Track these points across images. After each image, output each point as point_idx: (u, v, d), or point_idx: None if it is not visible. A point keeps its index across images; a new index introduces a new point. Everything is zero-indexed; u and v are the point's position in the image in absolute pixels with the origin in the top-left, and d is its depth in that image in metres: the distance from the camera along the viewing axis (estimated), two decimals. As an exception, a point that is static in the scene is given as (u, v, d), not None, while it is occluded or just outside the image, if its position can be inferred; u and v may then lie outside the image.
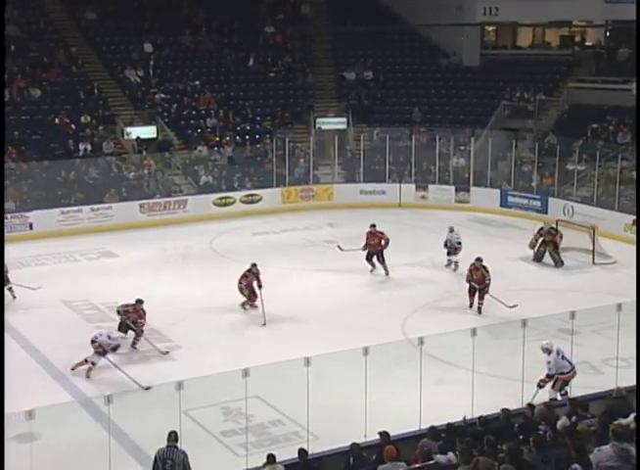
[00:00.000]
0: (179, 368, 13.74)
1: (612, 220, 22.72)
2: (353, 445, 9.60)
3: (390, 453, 8.91)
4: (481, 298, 16.91)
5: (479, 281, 16.86)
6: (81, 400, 12.52)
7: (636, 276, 16.25)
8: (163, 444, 9.54)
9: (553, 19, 31.95)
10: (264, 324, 16.27)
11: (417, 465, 8.92)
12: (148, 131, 27.25)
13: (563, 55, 31.65)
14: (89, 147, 26.18)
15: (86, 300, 17.78)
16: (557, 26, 33.42)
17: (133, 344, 15.21)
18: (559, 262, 20.15)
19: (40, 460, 10.04)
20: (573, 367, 12.53)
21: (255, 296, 16.94)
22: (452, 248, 19.86)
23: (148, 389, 12.91)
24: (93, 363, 13.90)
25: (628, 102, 27.19)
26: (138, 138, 26.91)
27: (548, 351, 12.52)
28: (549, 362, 12.44)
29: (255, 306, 16.98)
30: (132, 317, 15.20)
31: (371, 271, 19.64)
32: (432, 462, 8.94)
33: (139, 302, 15.31)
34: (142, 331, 15.20)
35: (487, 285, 16.86)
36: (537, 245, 20.44)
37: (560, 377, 12.46)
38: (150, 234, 23.35)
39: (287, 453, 10.01)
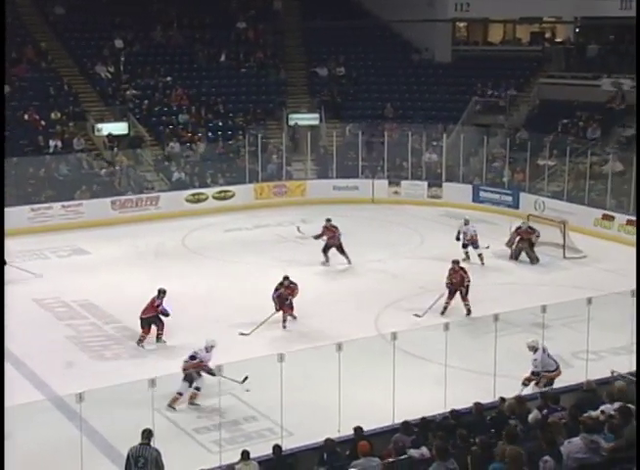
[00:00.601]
0: (152, 365, 13.68)
1: (582, 215, 22.95)
2: (327, 440, 9.61)
3: (364, 449, 8.94)
4: (465, 299, 16.70)
5: (458, 283, 16.74)
6: (53, 399, 12.40)
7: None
8: (136, 441, 9.50)
9: (523, 15, 32.16)
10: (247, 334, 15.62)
11: (390, 460, 8.95)
12: (119, 127, 27.05)
13: (533, 51, 31.89)
14: (59, 143, 25.93)
15: (57, 297, 17.64)
16: (527, 23, 33.66)
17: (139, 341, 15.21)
18: (534, 260, 20.30)
19: (11, 460, 9.92)
20: (558, 366, 12.54)
21: (289, 308, 16.16)
22: (470, 241, 20.01)
23: (245, 379, 12.46)
24: (180, 394, 12.60)
25: (598, 97, 27.53)
26: (109, 134, 26.70)
27: (534, 349, 12.53)
28: (535, 360, 12.44)
29: (294, 317, 16.26)
30: None
31: (322, 264, 19.79)
32: (405, 457, 8.97)
33: None
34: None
35: (467, 286, 16.75)
36: (515, 243, 20.56)
37: (545, 375, 12.44)
38: (121, 231, 23.21)
39: (261, 450, 10.00)
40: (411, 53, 32.18)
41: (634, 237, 21.85)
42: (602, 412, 8.97)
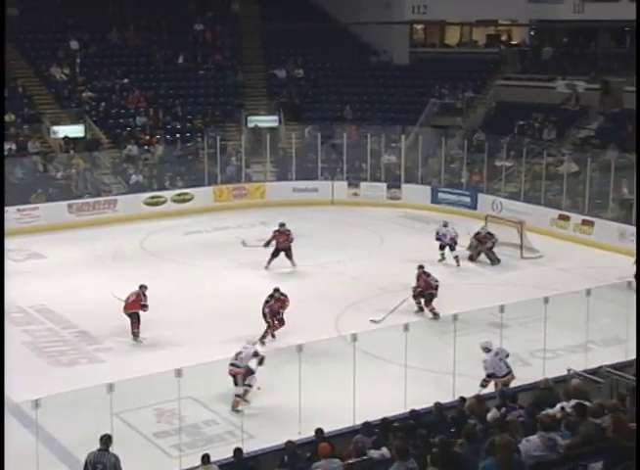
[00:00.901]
0: (110, 370, 13.52)
1: (538, 215, 23.24)
2: (288, 442, 9.61)
3: (324, 450, 8.94)
4: (429, 303, 16.58)
5: (425, 287, 16.71)
6: (8, 406, 12.19)
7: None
8: (95, 447, 9.38)
9: (480, 18, 32.47)
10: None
11: (350, 461, 8.96)
12: (75, 130, 26.72)
13: (489, 53, 32.21)
14: (14, 146, 25.53)
15: (13, 303, 17.34)
16: (483, 25, 33.98)
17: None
18: (495, 261, 20.50)
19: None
20: (510, 372, 12.45)
21: (280, 323, 15.56)
22: (452, 242, 20.09)
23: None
24: (239, 396, 12.51)
25: (553, 99, 27.92)
26: (65, 137, 26.37)
27: (487, 349, 12.54)
28: (485, 361, 12.46)
29: (273, 336, 15.50)
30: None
31: (266, 268, 19.72)
32: (365, 458, 8.99)
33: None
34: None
35: (431, 293, 16.66)
36: (474, 247, 20.72)
37: (496, 381, 12.41)
38: (79, 235, 22.93)
39: (221, 453, 9.96)
40: (369, 55, 32.31)
41: (589, 237, 22.23)
42: (562, 409, 9.09)
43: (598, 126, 26.75)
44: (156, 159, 26.97)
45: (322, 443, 9.18)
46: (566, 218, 22.99)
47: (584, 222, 22.56)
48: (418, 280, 16.81)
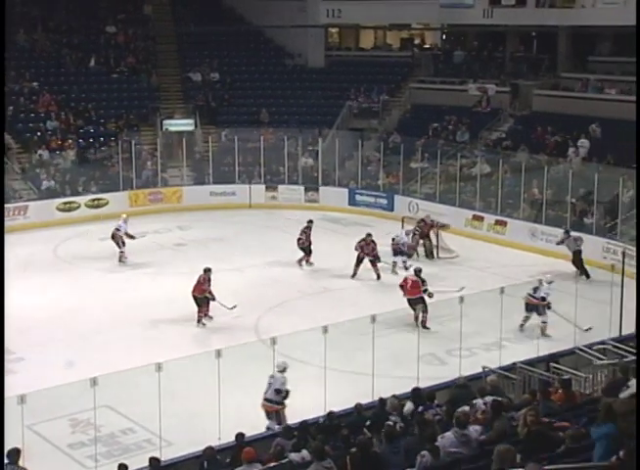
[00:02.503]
0: (22, 381, 13.10)
1: (453, 216, 23.63)
2: (207, 448, 9.51)
3: (249, 455, 8.87)
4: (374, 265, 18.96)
5: (369, 253, 18.98)
6: None
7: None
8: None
9: (393, 21, 32.88)
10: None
11: (271, 465, 8.93)
12: (-18, 135, 25.90)
13: (403, 56, 32.63)
14: None
15: None
16: (397, 29, 34.43)
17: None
18: (431, 255, 20.91)
19: None
20: (281, 402, 11.83)
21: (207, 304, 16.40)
22: (398, 249, 20.04)
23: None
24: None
25: (465, 102, 28.49)
26: (-28, 142, 25.55)
27: (280, 370, 11.91)
28: (269, 384, 11.88)
29: (210, 317, 16.48)
30: None
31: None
32: (285, 461, 8.97)
33: None
34: None
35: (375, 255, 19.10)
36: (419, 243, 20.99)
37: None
38: (-12, 243, 22.19)
39: (139, 462, 9.79)
40: (285, 58, 32.34)
41: (502, 236, 22.76)
42: (473, 407, 9.26)
43: (509, 128, 27.43)
44: (68, 163, 26.36)
45: (246, 448, 9.10)
46: (480, 219, 23.48)
47: (497, 222, 23.09)
48: (362, 246, 19.01)
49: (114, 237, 20.55)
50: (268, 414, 11.84)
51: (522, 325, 15.72)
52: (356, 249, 19.36)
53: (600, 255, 20.05)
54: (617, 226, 20.61)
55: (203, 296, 16.40)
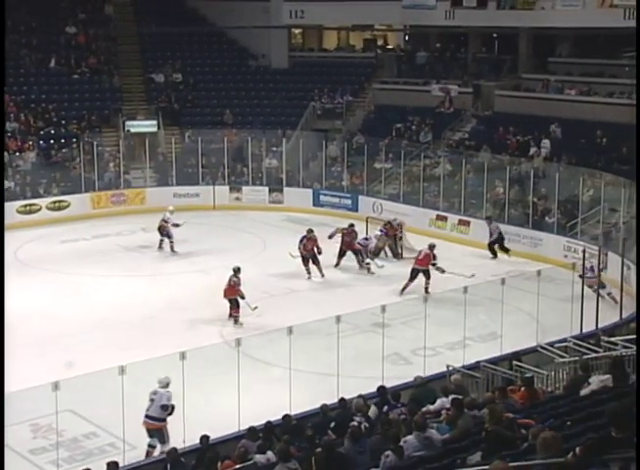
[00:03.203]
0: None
1: (417, 216, 23.79)
2: (170, 450, 9.45)
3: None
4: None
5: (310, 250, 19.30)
6: None
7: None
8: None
9: (356, 22, 32.98)
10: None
11: (236, 467, 8.90)
12: (-60, 136, 25.48)
13: (366, 57, 32.74)
14: None
15: None
16: (360, 30, 34.54)
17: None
18: (398, 255, 20.97)
19: None
20: (163, 419, 11.32)
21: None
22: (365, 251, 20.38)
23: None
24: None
25: (428, 102, 28.68)
26: None
27: (163, 384, 11.44)
28: (151, 401, 11.38)
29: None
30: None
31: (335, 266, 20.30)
32: (249, 463, 8.94)
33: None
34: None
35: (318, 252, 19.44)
36: (382, 241, 21.07)
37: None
38: (-54, 246, 21.82)
39: (102, 466, 9.66)
40: (248, 59, 32.24)
41: (466, 236, 22.93)
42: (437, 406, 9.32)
43: (471, 129, 27.67)
44: (28, 165, 26.02)
45: (225, 461, 9.02)
46: (443, 219, 23.64)
47: (461, 222, 23.27)
48: (305, 244, 19.23)
49: (161, 228, 21.44)
50: (150, 432, 11.27)
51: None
52: (330, 237, 20.43)
53: (561, 253, 20.31)
54: (578, 225, 20.87)
55: (235, 297, 16.59)
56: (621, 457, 5.34)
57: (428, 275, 18.23)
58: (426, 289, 17.99)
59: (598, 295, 16.19)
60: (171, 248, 21.53)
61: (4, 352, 12.04)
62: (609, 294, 17.00)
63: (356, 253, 20.24)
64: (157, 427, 11.26)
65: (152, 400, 11.31)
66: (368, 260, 20.15)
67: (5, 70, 25.36)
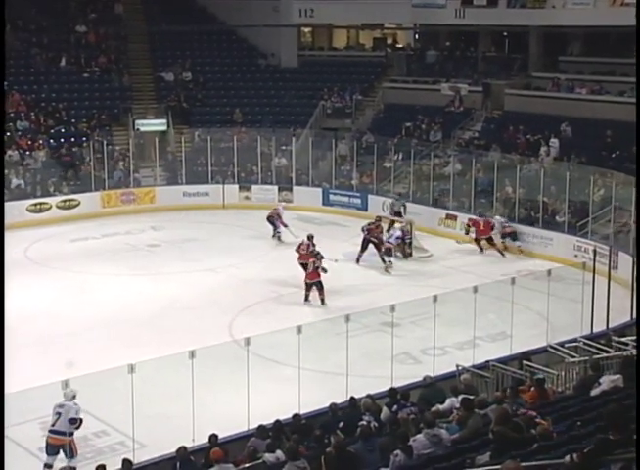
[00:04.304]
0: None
1: (427, 215, 23.73)
2: (180, 449, 9.46)
3: (216, 456, 8.83)
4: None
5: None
6: None
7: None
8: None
9: (366, 21, 32.94)
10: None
11: (246, 465, 8.90)
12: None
13: (376, 56, 32.69)
14: None
15: None
16: (370, 29, 34.50)
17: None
18: (408, 255, 21.00)
19: None
20: (72, 433, 10.85)
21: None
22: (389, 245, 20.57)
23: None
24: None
25: (438, 101, 28.61)
26: (-59, 143, 25.20)
27: (72, 396, 10.81)
28: (58, 415, 10.86)
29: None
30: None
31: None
32: (259, 462, 8.94)
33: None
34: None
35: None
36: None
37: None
38: (-42, 244, 21.92)
39: (112, 464, 9.69)
40: (258, 58, 32.26)
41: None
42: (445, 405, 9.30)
43: (481, 128, 27.59)
44: (39, 164, 26.11)
45: (214, 448, 9.06)
46: (453, 218, 23.57)
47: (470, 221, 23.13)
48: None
49: (270, 218, 22.61)
50: (56, 448, 10.72)
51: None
52: (363, 230, 20.37)
53: (571, 253, 20.23)
54: (589, 225, 20.78)
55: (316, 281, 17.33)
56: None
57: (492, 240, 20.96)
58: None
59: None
60: (278, 237, 22.50)
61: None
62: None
63: (379, 248, 20.21)
64: (64, 442, 10.73)
65: (58, 414, 10.74)
66: (391, 259, 20.15)
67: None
